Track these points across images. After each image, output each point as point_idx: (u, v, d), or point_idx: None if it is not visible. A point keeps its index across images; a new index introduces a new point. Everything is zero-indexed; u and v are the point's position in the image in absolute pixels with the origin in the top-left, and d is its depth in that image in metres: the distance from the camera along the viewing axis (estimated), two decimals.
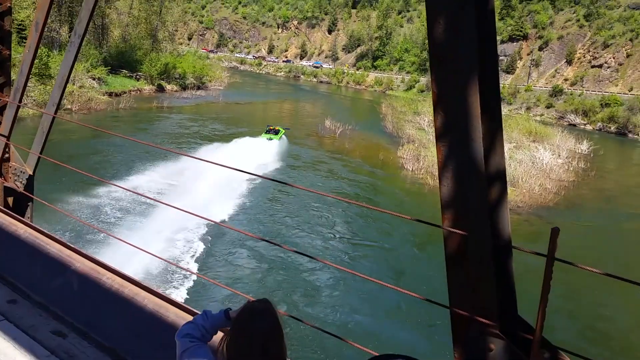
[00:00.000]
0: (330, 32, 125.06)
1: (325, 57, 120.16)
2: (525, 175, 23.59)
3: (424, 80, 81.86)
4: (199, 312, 2.59)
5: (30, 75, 4.94)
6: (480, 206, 1.92)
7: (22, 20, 33.48)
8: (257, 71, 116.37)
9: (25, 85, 4.90)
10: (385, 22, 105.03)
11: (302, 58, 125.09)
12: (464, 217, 1.96)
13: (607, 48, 71.95)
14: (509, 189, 21.26)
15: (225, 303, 10.71)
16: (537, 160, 27.46)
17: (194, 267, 12.28)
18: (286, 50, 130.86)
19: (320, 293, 11.88)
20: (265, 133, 27.95)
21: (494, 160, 2.04)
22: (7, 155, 5.02)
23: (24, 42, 4.90)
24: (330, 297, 11.72)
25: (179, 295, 10.70)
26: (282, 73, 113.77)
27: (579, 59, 75.86)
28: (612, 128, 58.97)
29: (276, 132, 28.14)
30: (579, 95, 66.67)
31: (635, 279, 1.78)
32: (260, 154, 24.19)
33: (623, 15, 74.55)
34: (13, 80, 5.14)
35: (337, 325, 10.49)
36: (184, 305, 2.91)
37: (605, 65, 70.75)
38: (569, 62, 76.62)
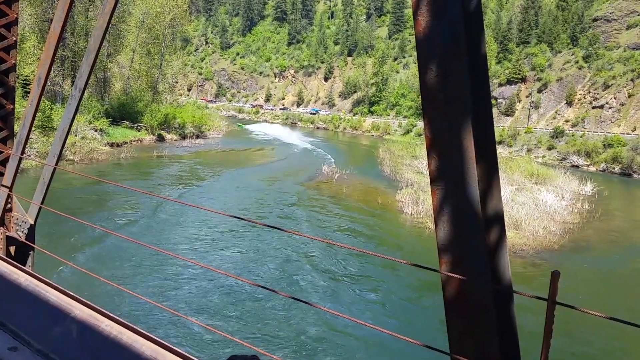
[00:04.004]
0: (326, 79, 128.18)
1: (322, 104, 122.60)
2: (528, 218, 23.38)
3: (421, 124, 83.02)
4: (196, 359, 2.54)
5: (34, 128, 5.06)
6: (478, 250, 1.92)
7: (26, 76, 34.37)
8: (255, 119, 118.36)
9: (28, 137, 5.01)
10: (381, 69, 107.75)
11: (299, 105, 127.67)
12: (462, 261, 1.95)
13: (608, 89, 72.43)
14: (512, 233, 21.18)
15: (222, 350, 10.43)
16: (540, 203, 27.25)
17: (192, 314, 12.05)
18: (283, 98, 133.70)
19: (317, 340, 11.59)
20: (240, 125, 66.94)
21: (491, 203, 2.05)
22: (9, 205, 5.10)
23: (28, 96, 5.09)
24: (327, 345, 11.43)
25: (177, 341, 10.44)
26: (280, 120, 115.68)
27: (579, 100, 76.36)
28: (616, 169, 58.36)
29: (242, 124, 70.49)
30: (581, 137, 66.47)
31: None
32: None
33: (623, 55, 75.53)
34: (16, 132, 5.26)
35: None
36: (181, 352, 2.88)
37: (607, 105, 70.99)
38: (569, 104, 77.14)
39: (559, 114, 77.35)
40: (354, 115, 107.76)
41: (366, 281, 16.02)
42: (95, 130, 40.62)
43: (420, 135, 78.53)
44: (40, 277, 3.82)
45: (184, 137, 54.51)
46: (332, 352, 11.15)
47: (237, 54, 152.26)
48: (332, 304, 13.74)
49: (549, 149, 67.91)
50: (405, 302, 14.73)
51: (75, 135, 34.81)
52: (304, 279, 15.57)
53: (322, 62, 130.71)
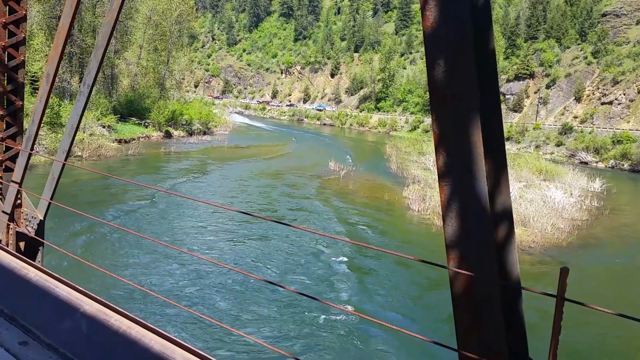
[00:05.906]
0: (333, 75, 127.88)
1: (329, 100, 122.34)
2: (536, 215, 23.19)
3: (428, 120, 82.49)
4: (205, 354, 2.55)
5: (42, 124, 5.10)
6: (486, 246, 1.91)
7: (35, 72, 34.58)
8: (262, 115, 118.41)
9: (37, 133, 5.04)
10: (388, 65, 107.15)
11: (305, 102, 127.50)
12: (470, 258, 1.93)
13: (617, 84, 71.44)
14: (521, 229, 21.05)
15: (230, 344, 10.49)
16: (548, 199, 27.03)
17: (201, 309, 12.11)
18: (290, 95, 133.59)
19: (323, 335, 11.62)
20: None
21: (500, 199, 2.05)
22: (19, 201, 5.13)
23: (37, 93, 5.17)
24: (333, 340, 11.45)
25: (185, 336, 10.51)
26: (286, 117, 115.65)
27: (588, 96, 75.43)
28: (625, 165, 57.75)
29: None
30: (590, 133, 65.69)
31: None
32: None
33: (632, 51, 74.58)
34: (25, 129, 5.29)
35: None
36: (190, 347, 2.90)
37: (616, 101, 70.05)
38: (578, 100, 76.22)
39: (567, 110, 76.59)
40: (361, 111, 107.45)
41: (373, 277, 16.02)
42: (104, 127, 40.88)
43: (427, 131, 78.12)
44: (49, 272, 3.86)
45: (191, 134, 54.65)
46: (339, 348, 11.18)
47: (244, 50, 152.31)
48: (339, 300, 13.76)
49: (558, 145, 67.29)
50: (413, 298, 14.73)
51: (84, 132, 35.03)
52: (311, 274, 15.60)
53: (329, 59, 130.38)
